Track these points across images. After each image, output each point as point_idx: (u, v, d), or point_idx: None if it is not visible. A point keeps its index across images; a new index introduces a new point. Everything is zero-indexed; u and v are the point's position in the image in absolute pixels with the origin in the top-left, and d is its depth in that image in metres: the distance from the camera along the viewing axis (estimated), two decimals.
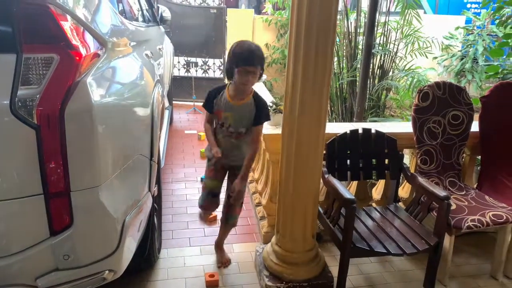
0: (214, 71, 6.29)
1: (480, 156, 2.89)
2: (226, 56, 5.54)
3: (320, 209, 2.42)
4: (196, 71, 6.22)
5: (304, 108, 1.99)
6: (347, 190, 2.25)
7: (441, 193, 2.22)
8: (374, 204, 2.90)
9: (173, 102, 5.61)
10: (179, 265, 2.50)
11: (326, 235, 2.70)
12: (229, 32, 6.15)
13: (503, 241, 2.49)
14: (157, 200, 2.46)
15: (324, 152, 2.35)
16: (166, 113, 3.81)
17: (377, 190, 3.00)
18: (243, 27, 6.20)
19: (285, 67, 2.11)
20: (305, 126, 2.03)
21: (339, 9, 4.21)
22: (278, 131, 2.39)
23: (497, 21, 3.75)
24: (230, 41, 6.08)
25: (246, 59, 2.08)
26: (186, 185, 3.59)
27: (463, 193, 2.64)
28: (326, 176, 2.37)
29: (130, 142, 1.78)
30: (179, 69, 6.20)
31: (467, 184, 2.78)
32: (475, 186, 2.86)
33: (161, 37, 4.06)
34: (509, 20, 3.40)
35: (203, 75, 6.28)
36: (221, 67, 6.25)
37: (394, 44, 4.40)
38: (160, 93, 2.53)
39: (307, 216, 2.21)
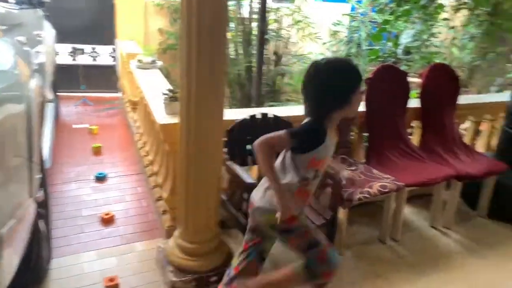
0: (104, 58, 5.87)
1: (367, 133, 3.13)
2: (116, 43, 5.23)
3: (223, 196, 2.41)
4: (84, 58, 5.75)
5: (200, 95, 1.94)
6: (249, 175, 2.27)
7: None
8: None
9: (60, 93, 5.12)
10: (74, 273, 2.30)
11: (230, 221, 2.70)
12: (119, 16, 5.77)
13: (388, 209, 2.75)
14: (44, 205, 2.22)
15: (225, 139, 2.33)
16: (50, 106, 3.45)
17: None
18: (133, 11, 5.86)
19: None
20: (203, 114, 1.98)
21: None
22: (176, 120, 2.30)
23: (377, 8, 4.08)
24: (121, 26, 5.73)
25: (360, 77, 1.62)
26: (78, 185, 3.32)
27: (354, 168, 2.83)
28: (228, 163, 2.36)
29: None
30: (64, 57, 5.67)
31: (356, 160, 2.99)
32: (363, 161, 3.09)
33: (39, 21, 3.64)
34: (386, 8, 3.71)
35: (93, 63, 5.83)
36: (112, 54, 5.87)
37: (287, 31, 4.55)
38: (39, 85, 2.27)
39: (209, 205, 2.18)
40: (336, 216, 2.41)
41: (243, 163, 2.51)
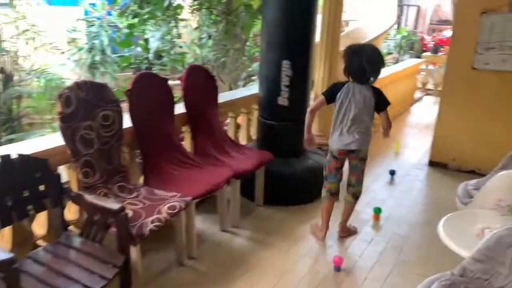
0: None
1: (139, 150, 2.83)
2: None
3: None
4: None
5: None
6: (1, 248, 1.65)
7: (114, 206, 2.01)
8: (41, 242, 2.35)
9: None
10: None
11: None
12: None
13: (180, 227, 2.55)
14: None
15: None
16: None
17: (40, 224, 2.44)
18: None
19: None
20: None
21: None
22: None
23: (116, 12, 3.76)
24: None
25: None
26: None
27: (135, 195, 2.50)
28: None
29: None
30: None
31: (136, 184, 2.67)
32: (143, 182, 2.79)
33: None
34: (128, 10, 3.43)
35: None
36: None
37: (13, 43, 3.70)
38: None
39: None
40: (129, 258, 2.05)
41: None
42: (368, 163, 2.91)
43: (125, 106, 2.67)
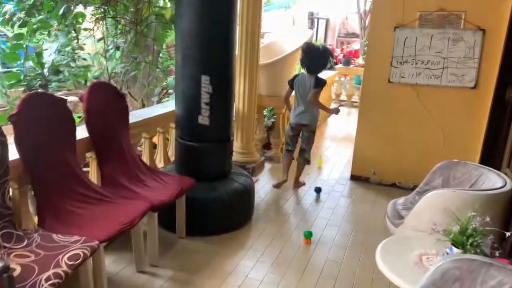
0: None
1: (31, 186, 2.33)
2: None
3: None
4: None
5: None
6: None
7: None
8: None
9: None
10: None
11: None
12: None
13: (85, 279, 2.10)
14: None
15: None
16: None
17: None
18: None
19: None
20: None
21: None
22: None
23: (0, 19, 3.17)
24: None
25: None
26: None
27: (25, 243, 2.01)
28: None
29: None
30: None
31: (27, 229, 2.17)
32: (37, 225, 2.29)
33: None
34: (14, 18, 2.89)
35: None
36: None
37: None
38: None
39: None
40: None
41: None
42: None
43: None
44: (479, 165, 2.86)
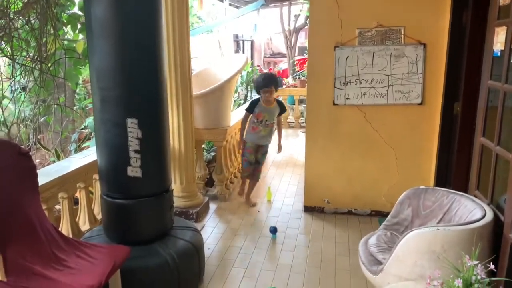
0: None
1: None
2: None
3: None
4: None
5: None
6: None
7: None
8: None
9: None
10: None
11: None
12: None
13: None
14: None
15: None
16: None
17: None
18: None
19: None
20: None
21: None
22: None
23: None
24: None
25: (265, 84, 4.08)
26: None
27: None
28: None
29: None
30: None
31: None
32: None
33: None
34: None
35: None
36: None
37: None
38: None
39: None
40: None
41: None
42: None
43: None
44: (449, 190, 2.62)
